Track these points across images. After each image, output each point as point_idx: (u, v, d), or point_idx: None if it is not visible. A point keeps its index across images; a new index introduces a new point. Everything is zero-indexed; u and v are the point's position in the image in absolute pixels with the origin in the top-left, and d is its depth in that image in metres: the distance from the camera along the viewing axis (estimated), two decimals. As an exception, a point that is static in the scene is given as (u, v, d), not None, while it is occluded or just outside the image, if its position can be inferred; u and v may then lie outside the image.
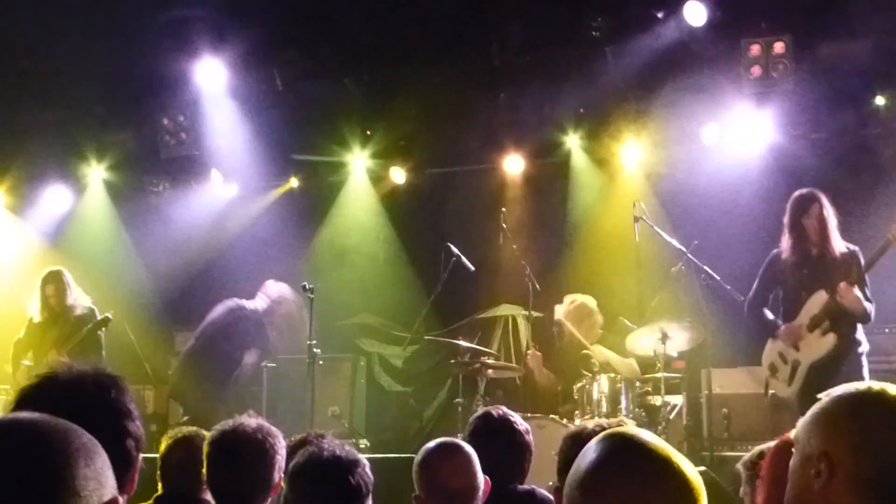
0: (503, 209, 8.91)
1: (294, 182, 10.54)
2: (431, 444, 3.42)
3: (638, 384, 7.22)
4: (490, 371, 8.01)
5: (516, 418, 4.00)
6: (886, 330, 7.70)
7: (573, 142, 9.61)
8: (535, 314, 8.50)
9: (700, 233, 7.91)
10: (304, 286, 7.65)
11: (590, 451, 1.60)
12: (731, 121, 8.79)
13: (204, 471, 3.49)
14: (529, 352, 7.97)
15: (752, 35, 8.34)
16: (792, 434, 1.78)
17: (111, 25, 8.80)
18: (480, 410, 4.17)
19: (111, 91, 9.67)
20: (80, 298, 8.15)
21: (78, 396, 1.89)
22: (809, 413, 1.72)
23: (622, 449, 1.59)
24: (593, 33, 8.66)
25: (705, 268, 7.35)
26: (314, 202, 10.54)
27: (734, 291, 7.36)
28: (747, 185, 8.74)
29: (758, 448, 3.56)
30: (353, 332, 10.01)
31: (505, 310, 9.66)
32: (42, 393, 1.92)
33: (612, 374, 7.16)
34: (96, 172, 10.46)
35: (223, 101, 9.62)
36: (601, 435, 1.64)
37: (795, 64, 8.27)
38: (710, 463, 6.75)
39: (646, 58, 8.62)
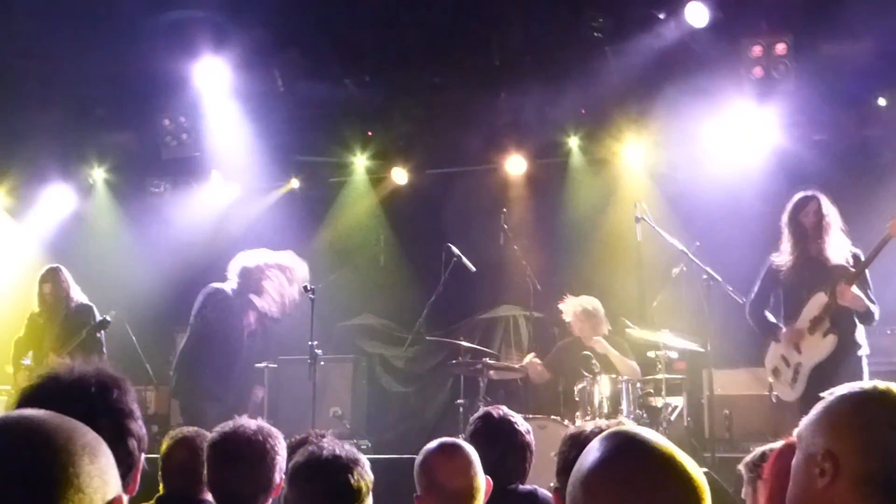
0: (504, 210, 8.91)
1: (295, 183, 10.55)
2: (432, 444, 3.42)
3: (639, 385, 7.22)
4: (491, 372, 8.02)
5: (517, 419, 3.99)
6: (888, 331, 7.69)
7: (574, 142, 9.61)
8: (536, 314, 8.51)
9: (701, 233, 7.91)
10: (306, 287, 7.63)
11: (593, 450, 1.60)
12: (732, 121, 8.79)
13: (205, 471, 3.50)
14: (527, 360, 7.95)
15: (754, 36, 8.34)
16: (794, 433, 1.76)
17: (112, 26, 8.80)
18: (481, 411, 4.16)
19: (112, 92, 9.67)
20: (77, 296, 8.12)
21: (80, 396, 1.89)
22: (813, 412, 1.71)
23: (625, 447, 1.59)
24: (594, 34, 8.66)
25: (707, 269, 7.35)
26: (315, 203, 10.55)
27: (735, 292, 7.36)
28: (748, 185, 8.74)
29: (759, 449, 3.55)
30: (354, 333, 10.02)
31: (506, 310, 9.67)
32: (44, 392, 1.92)
33: (614, 375, 7.16)
34: (97, 173, 10.47)
35: (224, 101, 9.62)
36: (604, 434, 1.63)
37: (797, 65, 8.28)
38: (711, 464, 6.74)
39: (647, 58, 8.62)
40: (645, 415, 7.10)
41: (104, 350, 7.95)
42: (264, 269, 7.59)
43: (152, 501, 3.98)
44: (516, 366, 8.08)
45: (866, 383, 1.71)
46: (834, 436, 1.63)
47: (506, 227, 9.02)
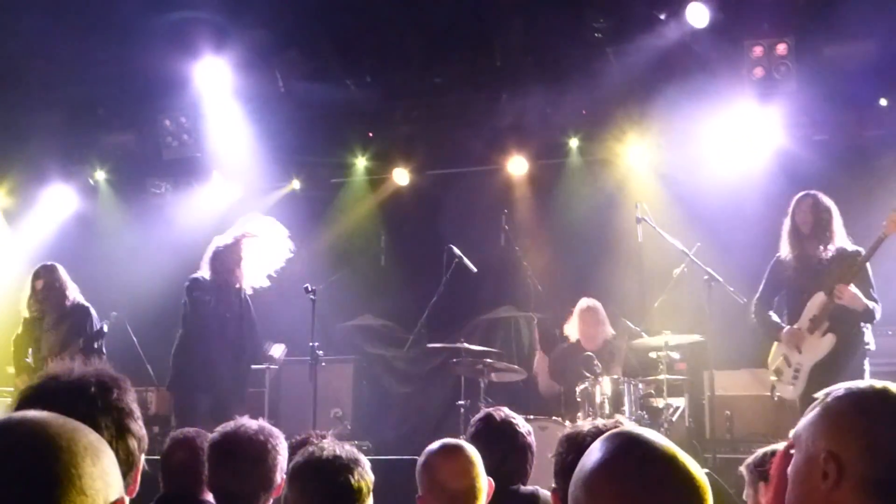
0: (505, 211, 8.91)
1: (296, 184, 10.54)
2: (434, 445, 3.42)
3: (640, 386, 7.22)
4: (492, 373, 8.01)
5: (518, 419, 3.99)
6: (889, 332, 7.69)
7: (575, 143, 9.61)
8: (537, 315, 8.50)
9: (703, 234, 7.91)
10: (307, 288, 7.62)
11: (595, 451, 1.60)
12: (733, 122, 8.78)
13: (205, 471, 3.50)
14: (538, 355, 7.95)
15: (755, 36, 8.34)
16: (791, 433, 1.73)
17: (113, 27, 8.81)
18: (482, 412, 4.16)
19: (113, 92, 9.68)
20: (75, 295, 8.07)
21: (80, 396, 1.89)
22: (811, 413, 1.67)
23: (627, 448, 1.58)
24: (595, 35, 8.66)
25: (708, 269, 7.35)
26: (316, 204, 10.55)
27: (737, 293, 7.37)
28: (750, 186, 8.74)
29: (760, 451, 3.55)
30: (355, 334, 10.01)
31: (507, 311, 9.66)
32: (45, 393, 1.92)
33: (615, 376, 7.16)
34: (98, 174, 10.47)
35: (225, 102, 9.63)
36: (606, 434, 1.63)
37: (798, 65, 8.27)
38: (712, 465, 6.73)
39: (648, 59, 8.62)
40: (646, 415, 7.10)
41: (103, 353, 7.92)
42: (233, 245, 7.49)
43: (153, 502, 3.98)
44: (517, 367, 8.08)
45: (862, 382, 1.67)
46: (836, 437, 1.59)
47: (507, 227, 9.03)
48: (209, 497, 3.73)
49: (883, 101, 8.51)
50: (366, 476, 2.98)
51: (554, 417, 7.14)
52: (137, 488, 1.98)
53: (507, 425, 3.93)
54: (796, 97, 8.49)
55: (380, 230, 10.34)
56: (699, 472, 1.57)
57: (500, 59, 9.15)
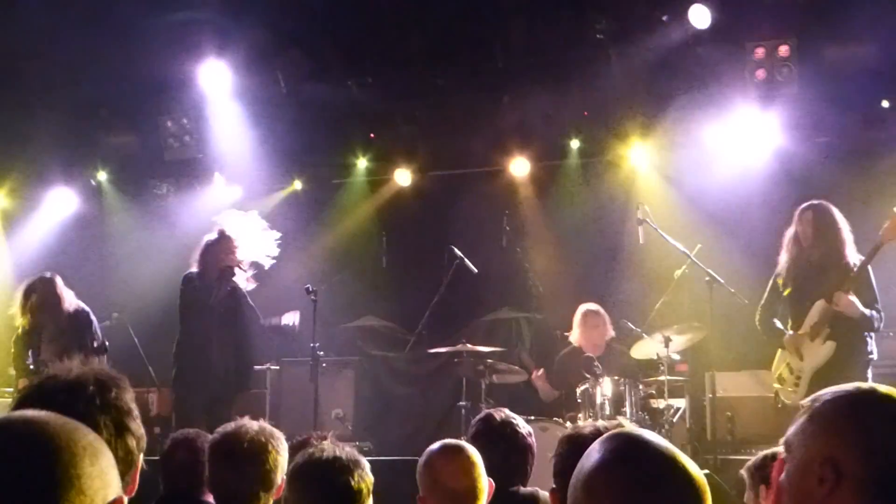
0: (506, 212, 8.91)
1: (298, 184, 10.54)
2: (435, 445, 3.42)
3: (641, 387, 7.22)
4: (494, 376, 8.01)
5: (518, 420, 3.99)
6: (891, 333, 7.68)
7: (577, 145, 9.60)
8: (538, 317, 8.50)
9: (704, 236, 7.90)
10: (308, 288, 7.63)
11: (594, 452, 1.59)
12: (735, 124, 8.77)
13: (206, 472, 3.50)
14: (535, 373, 7.94)
15: (757, 38, 8.34)
16: (781, 441, 1.70)
17: (115, 28, 8.81)
18: (483, 413, 4.16)
19: (115, 94, 9.68)
20: (71, 302, 8.04)
21: (79, 396, 1.89)
22: (800, 420, 1.64)
23: (627, 449, 1.58)
24: (597, 36, 8.66)
25: (709, 271, 7.35)
26: (318, 205, 10.54)
27: (738, 294, 7.37)
28: (751, 188, 8.74)
29: (762, 453, 3.55)
30: (356, 335, 10.00)
31: (508, 312, 9.65)
32: (43, 393, 1.92)
33: (616, 377, 7.15)
34: (100, 175, 10.47)
35: (227, 103, 9.63)
36: (605, 435, 1.63)
37: (800, 67, 8.27)
38: (713, 466, 6.73)
39: (650, 61, 8.63)
40: (647, 416, 7.10)
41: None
42: (219, 239, 7.55)
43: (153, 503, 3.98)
44: (518, 368, 8.08)
45: (848, 385, 1.65)
46: (832, 441, 1.57)
47: (508, 229, 9.03)
48: (209, 498, 3.73)
49: (885, 103, 8.49)
50: (365, 477, 2.98)
51: (555, 418, 7.14)
52: (136, 488, 1.98)
53: (508, 426, 3.93)
54: (798, 98, 8.49)
55: (381, 231, 10.33)
56: (699, 473, 1.57)
57: (501, 61, 9.15)
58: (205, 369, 7.33)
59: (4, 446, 1.28)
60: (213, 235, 7.60)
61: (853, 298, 6.31)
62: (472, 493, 3.29)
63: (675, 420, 7.20)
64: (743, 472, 3.56)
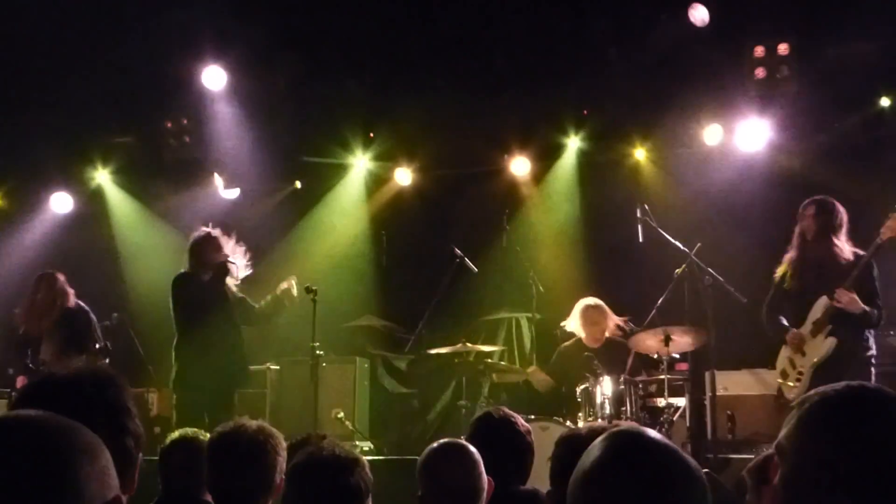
0: (506, 211, 8.90)
1: (298, 184, 10.54)
2: (435, 444, 3.42)
3: (641, 386, 7.23)
4: (494, 375, 8.01)
5: (518, 420, 4.00)
6: (892, 332, 7.69)
7: (577, 144, 9.60)
8: (538, 316, 8.50)
9: (703, 234, 7.90)
10: (308, 288, 7.62)
11: (594, 450, 1.59)
12: (734, 122, 8.77)
13: (205, 472, 3.50)
14: (531, 369, 7.95)
15: (757, 36, 8.33)
16: (774, 444, 1.67)
17: (114, 28, 8.82)
18: (482, 412, 4.16)
19: (114, 94, 9.68)
20: (73, 301, 8.07)
21: (76, 395, 1.89)
22: (794, 420, 1.61)
23: (628, 446, 1.58)
24: (597, 35, 8.66)
25: (709, 269, 7.36)
26: (318, 204, 10.54)
27: (738, 293, 7.37)
28: (751, 186, 8.74)
29: (763, 454, 3.54)
30: (356, 335, 10.00)
31: (508, 312, 9.65)
32: (41, 392, 1.92)
33: (616, 376, 7.15)
34: (99, 175, 10.47)
35: (226, 103, 9.62)
36: (606, 434, 1.62)
37: (800, 65, 8.27)
38: (713, 465, 6.73)
39: (650, 59, 8.62)
40: (647, 416, 7.10)
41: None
42: (205, 236, 7.60)
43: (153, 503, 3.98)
44: (518, 367, 8.08)
45: (837, 385, 1.62)
46: (823, 443, 1.54)
47: (508, 228, 9.02)
48: (208, 497, 3.73)
49: (885, 101, 8.49)
50: (365, 476, 2.98)
51: (555, 417, 7.14)
52: (135, 488, 1.98)
53: (507, 425, 3.93)
54: (798, 97, 8.48)
55: (381, 231, 10.33)
56: (699, 472, 1.57)
57: (501, 60, 9.15)
58: (205, 369, 7.33)
59: (2, 446, 1.28)
60: (201, 234, 7.63)
61: (854, 295, 6.33)
62: (472, 493, 3.29)
63: (675, 419, 7.20)
64: (745, 474, 3.56)
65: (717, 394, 7.60)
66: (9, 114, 9.63)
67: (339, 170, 10.31)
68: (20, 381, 7.92)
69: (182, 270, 7.58)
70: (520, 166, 9.73)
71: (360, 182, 10.37)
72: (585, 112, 9.42)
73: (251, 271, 7.68)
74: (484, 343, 8.39)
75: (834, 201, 6.68)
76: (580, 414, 7.14)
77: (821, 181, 8.14)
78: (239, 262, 7.56)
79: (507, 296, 9.60)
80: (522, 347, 9.48)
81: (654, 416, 7.17)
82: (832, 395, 1.60)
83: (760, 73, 8.33)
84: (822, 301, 6.49)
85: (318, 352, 7.67)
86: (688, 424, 7.55)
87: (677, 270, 7.58)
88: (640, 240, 7.84)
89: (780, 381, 6.80)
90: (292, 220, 10.39)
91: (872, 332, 6.50)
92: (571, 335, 7.88)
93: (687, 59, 8.57)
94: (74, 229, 10.48)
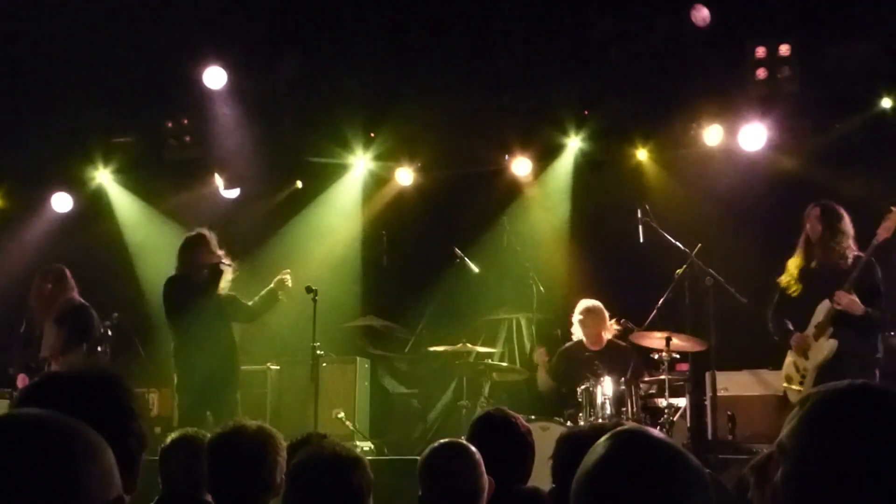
0: (506, 211, 8.90)
1: (299, 184, 10.54)
2: (436, 444, 3.43)
3: (642, 386, 7.23)
4: (494, 373, 8.01)
5: (518, 419, 4.00)
6: (892, 333, 7.68)
7: (577, 143, 9.59)
8: (538, 316, 8.50)
9: (704, 235, 7.90)
10: (308, 288, 7.63)
11: (598, 448, 1.59)
12: (735, 123, 8.77)
13: (205, 472, 3.50)
14: (539, 350, 7.96)
15: (758, 37, 8.33)
16: (776, 443, 1.66)
17: (115, 28, 8.82)
18: (483, 412, 4.17)
19: (115, 94, 9.68)
20: (77, 296, 8.10)
21: (80, 394, 1.89)
22: (796, 419, 1.58)
23: (632, 445, 1.58)
24: (598, 34, 8.66)
25: (709, 270, 7.36)
26: (318, 204, 10.53)
27: (738, 293, 7.38)
28: (752, 187, 8.73)
29: (766, 452, 3.55)
30: (356, 335, 10.00)
31: (509, 312, 9.65)
32: (45, 391, 1.92)
33: (617, 377, 7.15)
34: (100, 175, 10.46)
35: (227, 103, 9.62)
36: (610, 433, 1.63)
37: (801, 66, 8.26)
38: (714, 465, 6.73)
39: (651, 60, 8.62)
40: (647, 416, 7.11)
41: (107, 355, 7.93)
42: (196, 237, 7.63)
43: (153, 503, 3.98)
44: (518, 367, 8.08)
45: (840, 383, 1.60)
46: (826, 441, 1.53)
47: (508, 228, 9.03)
48: (208, 498, 3.73)
49: (887, 101, 8.48)
50: (366, 476, 2.98)
51: (555, 418, 7.15)
52: (137, 488, 1.98)
53: (508, 425, 3.94)
54: (799, 97, 8.48)
55: (382, 231, 10.32)
56: (703, 471, 1.57)
57: (503, 60, 9.14)
58: (205, 372, 7.35)
59: (5, 445, 1.28)
60: (193, 235, 7.66)
61: (854, 297, 6.34)
62: (473, 493, 3.29)
63: (675, 419, 7.20)
64: (746, 471, 3.56)
65: (718, 394, 7.60)
66: (9, 113, 9.63)
67: (340, 170, 10.30)
68: (20, 380, 7.93)
69: (173, 273, 7.59)
70: (521, 166, 9.72)
71: (361, 182, 10.37)
72: (586, 112, 9.41)
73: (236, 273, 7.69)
74: (484, 343, 8.39)
75: (836, 206, 6.70)
76: (581, 414, 7.14)
77: (822, 182, 8.14)
78: (230, 266, 7.56)
79: (508, 296, 9.59)
80: (523, 347, 9.48)
81: (654, 416, 7.18)
82: (835, 394, 1.59)
83: (761, 73, 8.32)
84: (825, 304, 6.52)
85: (318, 352, 7.67)
86: (688, 425, 7.55)
87: (678, 271, 7.59)
88: (641, 240, 7.84)
89: (785, 384, 6.82)
90: (293, 219, 10.38)
91: (878, 333, 6.51)
92: (570, 338, 7.90)
93: (688, 60, 8.56)
94: (75, 229, 10.47)
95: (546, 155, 9.78)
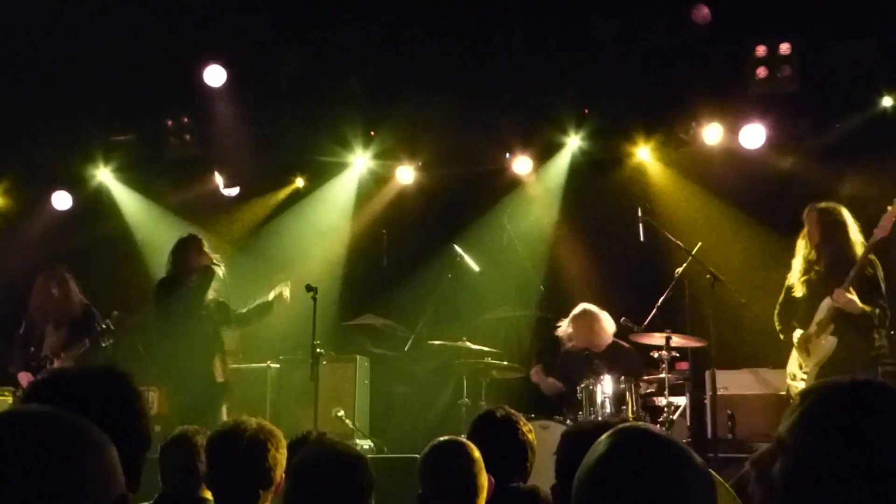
0: (507, 210, 8.90)
1: (299, 182, 10.54)
2: (436, 443, 3.43)
3: (642, 385, 7.24)
4: (494, 372, 8.02)
5: (519, 418, 4.00)
6: (892, 332, 7.69)
7: (578, 142, 9.59)
8: (539, 315, 8.50)
9: (704, 233, 7.90)
10: (308, 286, 7.63)
11: (601, 445, 1.59)
12: (736, 121, 8.76)
13: (205, 469, 3.50)
14: (534, 369, 7.99)
15: (758, 36, 8.32)
16: (775, 436, 1.66)
17: (115, 26, 8.81)
18: (483, 410, 4.18)
19: (115, 92, 9.68)
20: (78, 296, 8.14)
21: (86, 392, 1.89)
22: (797, 413, 1.58)
23: (635, 441, 1.58)
24: (599, 33, 8.65)
25: (710, 269, 7.36)
26: (319, 203, 10.54)
27: (738, 293, 7.38)
28: (752, 186, 8.74)
29: (766, 446, 3.55)
30: (356, 333, 10.00)
31: (509, 310, 9.65)
32: (51, 388, 1.92)
33: (617, 375, 7.16)
34: (100, 173, 10.46)
35: (227, 101, 9.61)
36: (612, 430, 1.63)
37: (801, 65, 8.25)
38: (713, 464, 6.73)
39: (650, 58, 8.61)
40: (647, 415, 7.12)
41: (108, 352, 7.96)
42: (188, 240, 7.70)
43: (152, 501, 3.99)
44: (518, 366, 8.09)
45: (841, 378, 1.60)
46: (826, 437, 1.52)
47: (509, 227, 9.03)
48: (207, 495, 3.74)
49: (888, 100, 8.48)
50: (369, 474, 2.98)
51: (555, 416, 7.15)
52: (139, 487, 1.99)
53: (508, 423, 3.94)
54: (799, 96, 8.48)
55: (382, 229, 10.33)
56: (705, 468, 1.57)
57: (502, 58, 9.14)
58: (200, 374, 7.39)
59: (8, 440, 1.28)
60: (185, 237, 7.74)
61: (852, 295, 6.36)
62: (472, 491, 3.29)
63: (675, 418, 7.21)
64: (747, 464, 3.56)
65: (718, 393, 7.60)
66: (9, 112, 9.62)
67: (340, 168, 10.29)
68: (22, 377, 7.94)
69: (165, 276, 7.62)
70: (521, 165, 9.72)
71: (361, 180, 10.36)
72: (586, 111, 9.40)
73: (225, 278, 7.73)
74: (484, 342, 8.38)
75: (837, 205, 6.71)
76: (580, 413, 7.15)
77: (822, 181, 8.15)
78: (220, 266, 7.58)
79: (508, 294, 9.60)
80: (523, 346, 9.48)
81: (654, 415, 7.19)
82: (836, 389, 1.58)
83: (762, 72, 8.31)
84: (826, 302, 6.56)
85: (318, 350, 7.67)
86: (688, 424, 7.57)
87: (678, 269, 7.60)
88: (641, 239, 7.85)
89: (789, 381, 6.85)
90: (293, 218, 10.38)
91: (881, 330, 6.53)
92: (570, 340, 7.91)
93: (688, 59, 8.56)
94: (75, 227, 10.48)
95: (546, 153, 9.78)
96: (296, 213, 10.40)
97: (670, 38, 8.50)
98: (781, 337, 6.92)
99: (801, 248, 6.80)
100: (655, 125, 9.13)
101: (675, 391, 7.33)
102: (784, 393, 7.09)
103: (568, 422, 6.90)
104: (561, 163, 9.73)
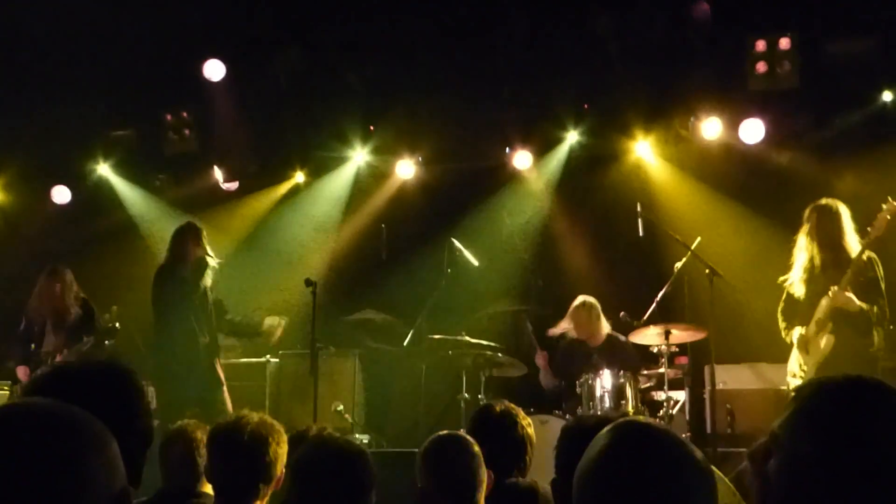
0: (506, 205, 8.90)
1: (299, 177, 10.54)
2: (435, 437, 3.44)
3: (641, 379, 7.25)
4: (493, 366, 8.03)
5: (518, 412, 4.01)
6: (891, 327, 7.70)
7: (577, 137, 9.59)
8: (538, 310, 8.51)
9: (704, 229, 7.91)
10: (308, 281, 7.64)
11: (601, 439, 1.60)
12: (735, 117, 8.76)
13: (205, 464, 3.51)
14: (540, 353, 8.00)
15: (758, 31, 8.32)
16: (769, 431, 1.66)
17: (114, 21, 8.80)
18: (483, 405, 4.18)
19: (114, 87, 9.66)
20: (79, 294, 8.15)
21: (89, 386, 1.90)
22: (792, 410, 1.57)
23: (635, 436, 1.58)
24: (598, 28, 8.65)
25: (709, 264, 7.37)
26: (318, 198, 10.53)
27: (737, 288, 7.39)
28: (751, 181, 8.74)
29: (762, 440, 3.56)
30: (356, 328, 10.01)
31: (508, 305, 9.65)
32: (53, 382, 1.92)
33: (616, 370, 7.17)
34: (100, 168, 10.45)
35: (226, 96, 9.61)
36: (612, 424, 1.63)
37: (801, 60, 8.25)
38: (713, 459, 6.75)
39: (650, 53, 8.61)
40: (646, 409, 7.13)
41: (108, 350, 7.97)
42: (185, 228, 7.74)
43: (152, 495, 3.99)
44: (517, 361, 8.09)
45: (836, 376, 1.60)
46: (821, 435, 1.52)
47: (508, 221, 9.03)
48: (207, 489, 3.74)
49: (888, 95, 8.47)
50: (370, 468, 2.99)
51: (554, 411, 7.16)
52: (141, 481, 1.99)
53: (507, 418, 3.95)
54: (799, 91, 8.47)
55: (381, 224, 10.32)
56: (706, 463, 1.58)
57: (502, 53, 9.13)
58: (192, 365, 7.41)
59: (12, 433, 1.28)
60: (185, 225, 7.78)
61: (850, 294, 6.37)
62: (472, 485, 3.30)
63: (674, 412, 7.22)
64: (746, 457, 3.58)
65: (717, 388, 7.62)
66: (9, 107, 9.61)
67: (340, 163, 10.29)
68: (21, 372, 7.94)
69: (163, 264, 7.64)
70: (521, 160, 9.72)
71: (360, 175, 10.36)
72: (586, 106, 9.40)
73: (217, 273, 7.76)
74: (483, 336, 8.39)
75: (837, 203, 6.70)
76: (580, 408, 7.16)
77: (821, 177, 8.15)
78: (216, 259, 7.60)
79: (507, 289, 9.60)
80: (522, 341, 9.48)
81: (653, 409, 7.20)
82: (830, 386, 1.58)
83: (761, 67, 8.31)
84: (825, 301, 6.55)
85: (317, 345, 7.68)
86: (687, 418, 7.58)
87: (677, 264, 7.60)
88: (641, 234, 7.85)
89: (790, 379, 6.86)
90: (292, 212, 10.38)
91: (879, 328, 6.53)
92: (572, 335, 7.92)
93: (688, 54, 8.56)
94: (74, 222, 10.48)
95: (546, 148, 9.77)
96: (295, 207, 10.40)
97: (669, 34, 8.49)
98: (784, 335, 6.92)
99: (802, 246, 6.80)
100: (655, 120, 9.13)
101: (675, 386, 7.34)
102: (784, 388, 7.10)
103: (567, 417, 6.91)
104: (560, 157, 9.73)
